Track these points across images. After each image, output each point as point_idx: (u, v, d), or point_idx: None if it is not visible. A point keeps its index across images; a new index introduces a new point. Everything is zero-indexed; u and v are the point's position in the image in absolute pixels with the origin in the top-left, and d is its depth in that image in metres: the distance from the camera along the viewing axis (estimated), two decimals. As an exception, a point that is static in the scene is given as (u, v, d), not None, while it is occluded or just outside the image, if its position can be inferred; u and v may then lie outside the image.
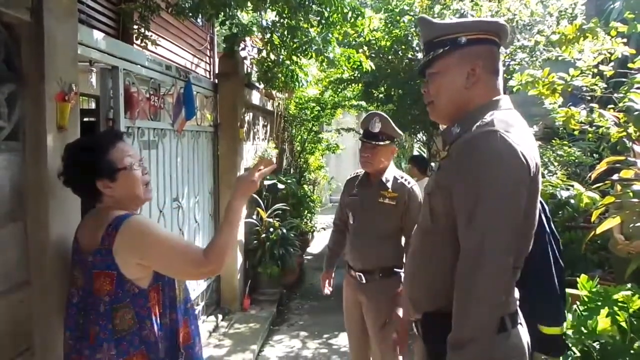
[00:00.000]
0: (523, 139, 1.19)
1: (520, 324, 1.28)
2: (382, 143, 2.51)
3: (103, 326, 1.41)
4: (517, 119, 1.27)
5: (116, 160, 1.48)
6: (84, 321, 1.45)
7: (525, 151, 1.16)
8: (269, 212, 5.06)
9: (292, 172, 6.77)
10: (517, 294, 1.31)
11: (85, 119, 3.83)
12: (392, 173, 2.57)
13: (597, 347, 2.01)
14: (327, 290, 2.85)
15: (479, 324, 1.12)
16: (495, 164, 1.14)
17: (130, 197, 1.52)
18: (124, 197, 1.50)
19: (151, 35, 3.76)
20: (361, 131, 2.65)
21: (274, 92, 5.61)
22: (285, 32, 4.05)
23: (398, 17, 5.58)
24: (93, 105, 4.33)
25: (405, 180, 2.55)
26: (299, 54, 4.24)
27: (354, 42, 5.70)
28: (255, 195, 5.06)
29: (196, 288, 3.95)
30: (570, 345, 2.06)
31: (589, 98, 3.01)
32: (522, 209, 1.14)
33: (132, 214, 1.47)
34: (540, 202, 1.34)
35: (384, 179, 2.54)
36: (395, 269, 2.51)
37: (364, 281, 2.53)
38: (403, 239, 2.56)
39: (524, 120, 1.30)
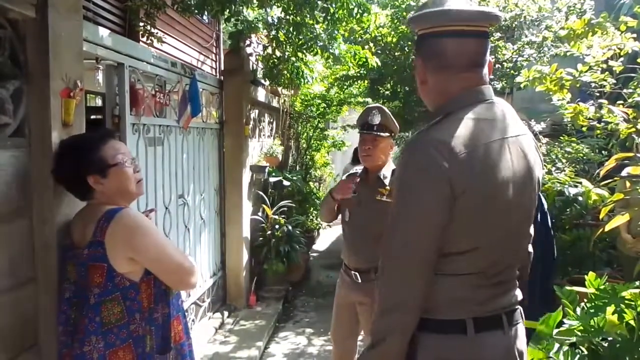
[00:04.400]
0: (455, 128, 1.12)
1: (502, 330, 1.19)
2: (383, 134, 2.41)
3: (91, 318, 1.43)
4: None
5: (107, 157, 1.52)
6: (76, 315, 1.47)
7: (443, 141, 1.10)
8: (275, 209, 5.06)
9: (297, 169, 6.76)
10: (505, 299, 1.22)
11: (92, 117, 3.85)
12: (389, 169, 2.47)
13: (605, 345, 1.99)
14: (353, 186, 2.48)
15: (385, 324, 1.16)
16: (400, 167, 1.18)
17: (122, 192, 1.56)
18: (115, 193, 1.54)
19: (157, 32, 3.77)
20: (359, 127, 2.53)
21: (279, 88, 5.60)
22: (291, 29, 4.03)
23: (404, 13, 5.55)
24: (99, 103, 4.35)
25: None
26: (304, 51, 4.23)
27: (359, 39, 5.68)
28: (260, 192, 5.07)
29: (202, 285, 3.96)
30: (576, 343, 2.04)
31: (598, 94, 2.98)
32: (432, 205, 1.10)
33: (124, 208, 1.51)
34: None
35: (381, 176, 2.44)
36: None
37: (360, 280, 2.44)
38: None
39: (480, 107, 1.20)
